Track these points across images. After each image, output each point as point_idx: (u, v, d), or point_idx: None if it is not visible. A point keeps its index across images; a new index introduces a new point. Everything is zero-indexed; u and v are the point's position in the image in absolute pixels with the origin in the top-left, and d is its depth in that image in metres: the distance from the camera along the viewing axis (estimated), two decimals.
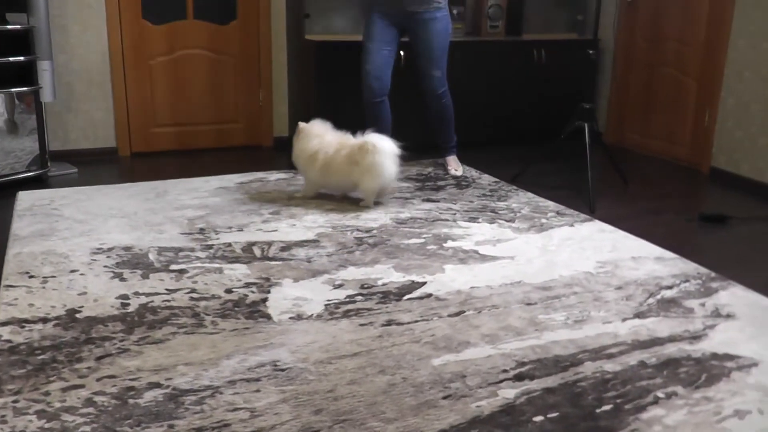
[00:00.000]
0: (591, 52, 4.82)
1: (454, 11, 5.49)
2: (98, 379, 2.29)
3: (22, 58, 4.34)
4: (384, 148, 3.91)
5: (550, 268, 3.24)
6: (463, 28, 5.60)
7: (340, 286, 3.00)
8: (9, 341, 2.52)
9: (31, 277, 3.05)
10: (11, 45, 4.31)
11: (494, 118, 5.68)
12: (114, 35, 4.99)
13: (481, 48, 5.56)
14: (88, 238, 3.49)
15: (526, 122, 5.76)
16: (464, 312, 2.78)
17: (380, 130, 4.25)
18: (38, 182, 4.35)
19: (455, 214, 3.96)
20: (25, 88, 4.37)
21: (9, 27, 4.32)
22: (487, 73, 5.58)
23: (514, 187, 4.51)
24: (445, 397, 2.21)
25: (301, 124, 4.14)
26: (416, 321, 2.70)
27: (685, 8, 5.24)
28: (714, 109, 4.99)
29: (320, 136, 4.04)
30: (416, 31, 4.48)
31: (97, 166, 4.45)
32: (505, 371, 2.37)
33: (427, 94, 4.67)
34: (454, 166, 4.88)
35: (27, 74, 4.40)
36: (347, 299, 2.87)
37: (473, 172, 4.84)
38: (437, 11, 4.43)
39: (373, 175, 3.92)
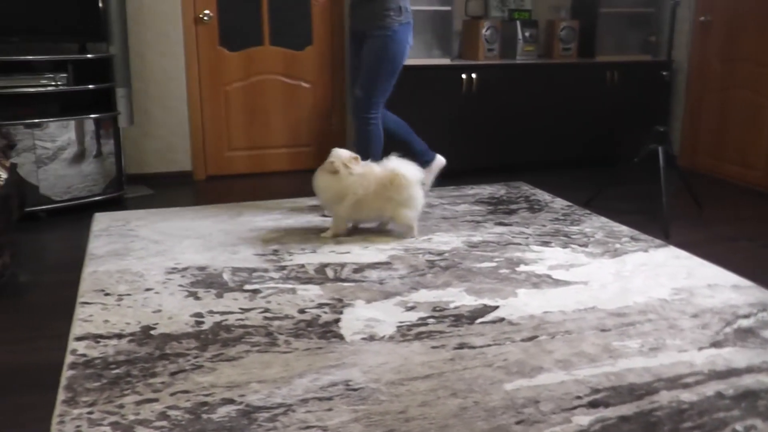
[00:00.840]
0: (665, 73, 4.73)
1: (527, 33, 5.49)
2: (172, 394, 2.33)
3: (101, 86, 4.49)
4: (414, 177, 3.82)
5: (624, 294, 3.17)
6: (536, 50, 5.57)
7: (412, 308, 2.99)
8: (84, 355, 2.59)
9: (107, 294, 3.14)
10: (91, 73, 4.47)
11: (567, 141, 5.62)
12: (191, 62, 5.13)
13: (554, 70, 5.53)
14: (163, 258, 3.57)
15: (599, 145, 5.68)
16: (537, 337, 2.74)
17: (368, 149, 4.23)
18: (115, 204, 4.47)
19: (528, 238, 3.92)
20: (104, 114, 4.51)
21: (89, 56, 4.48)
22: (559, 96, 5.53)
23: (587, 212, 4.44)
24: (518, 423, 2.18)
25: (334, 155, 3.90)
26: (488, 345, 2.67)
27: (762, 28, 5.09)
28: None
29: (347, 173, 3.83)
30: (363, 50, 4.25)
31: (172, 189, 4.56)
32: (578, 398, 2.32)
33: (352, 116, 4.43)
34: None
35: (105, 100, 4.55)
36: (419, 321, 2.86)
37: (546, 196, 4.79)
38: (377, 29, 4.13)
39: (410, 207, 3.84)
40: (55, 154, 4.29)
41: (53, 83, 4.31)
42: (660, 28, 5.83)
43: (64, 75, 4.33)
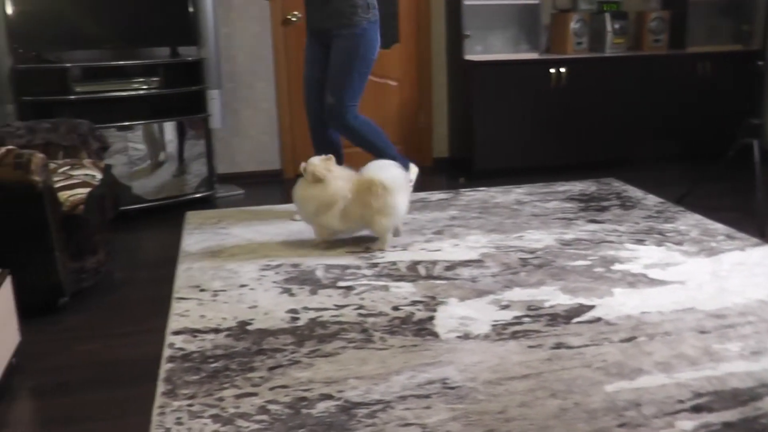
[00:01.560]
0: (760, 63, 4.55)
1: (616, 25, 5.37)
2: (271, 389, 2.38)
3: (192, 88, 4.60)
4: (394, 184, 3.61)
5: (722, 294, 3.07)
6: (625, 42, 5.44)
7: (506, 306, 2.97)
8: (182, 349, 2.67)
9: (202, 290, 3.22)
10: (183, 76, 4.59)
11: (658, 135, 5.47)
12: (280, 63, 5.20)
13: (644, 63, 5.39)
14: (256, 255, 3.64)
15: (691, 139, 5.51)
16: (635, 338, 2.68)
17: (372, 142, 4.16)
18: (206, 203, 4.58)
19: (621, 236, 3.83)
20: (195, 116, 4.62)
21: (180, 60, 4.60)
22: (649, 89, 5.39)
23: (681, 209, 4.31)
24: (620, 426, 2.14)
25: (311, 165, 3.65)
26: (586, 345, 2.63)
27: None
28: None
29: (332, 177, 3.62)
30: (331, 50, 4.01)
31: (262, 188, 4.64)
32: (681, 402, 2.26)
33: (327, 123, 4.15)
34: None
35: (197, 103, 4.66)
36: (514, 320, 2.84)
37: (638, 193, 4.68)
38: (345, 28, 3.93)
39: (386, 215, 3.61)
40: (147, 156, 4.43)
41: (145, 87, 4.44)
42: (753, 16, 5.62)
43: (156, 79, 4.46)
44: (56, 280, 3.00)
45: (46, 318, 3.02)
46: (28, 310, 2.83)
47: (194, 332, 2.80)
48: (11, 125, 3.75)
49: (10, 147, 2.92)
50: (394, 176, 3.64)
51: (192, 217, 4.34)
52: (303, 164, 3.68)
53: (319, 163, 3.64)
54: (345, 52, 3.96)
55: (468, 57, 5.12)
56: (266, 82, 5.19)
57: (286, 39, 5.21)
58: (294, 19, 5.14)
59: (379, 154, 4.08)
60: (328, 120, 4.09)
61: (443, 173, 5.46)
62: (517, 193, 4.74)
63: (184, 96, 4.61)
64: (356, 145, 4.19)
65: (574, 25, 5.28)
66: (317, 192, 3.60)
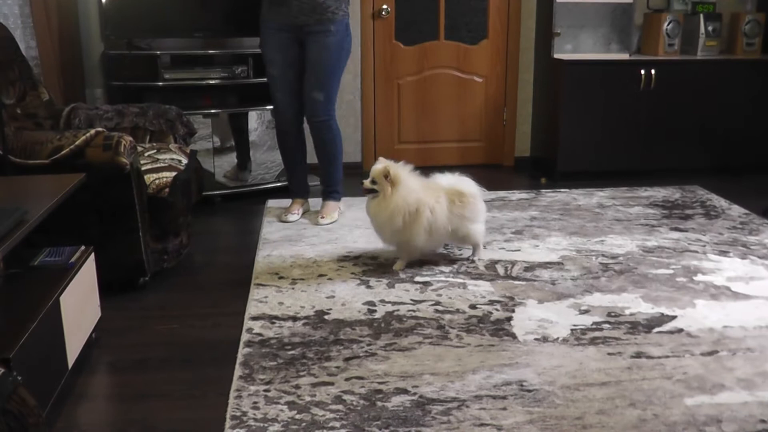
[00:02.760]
0: None
1: (710, 27, 5.22)
2: (347, 379, 2.42)
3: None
4: (478, 191, 3.40)
5: None
6: (718, 45, 5.29)
7: (586, 311, 2.94)
8: (260, 335, 2.73)
9: (281, 278, 3.28)
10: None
11: (746, 143, 5.30)
12: (367, 56, 5.24)
13: (735, 67, 5.22)
14: (335, 246, 3.69)
15: None
16: (717, 352, 2.63)
17: (292, 163, 4.12)
18: (285, 192, 4.63)
19: (705, 246, 3.74)
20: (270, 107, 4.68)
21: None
22: (740, 95, 5.22)
23: (767, 221, 4.18)
24: None
25: (391, 166, 3.30)
26: (667, 356, 2.58)
27: None
28: None
29: (411, 185, 3.31)
30: (308, 48, 3.88)
31: (343, 180, 4.65)
32: (763, 422, 2.21)
33: (309, 121, 4.04)
34: (329, 214, 4.12)
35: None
36: (594, 326, 2.81)
37: (722, 202, 4.55)
38: (331, 23, 3.82)
39: (480, 222, 3.44)
40: (231, 143, 4.52)
41: (232, 76, 4.52)
42: None
43: (243, 68, 4.53)
44: (139, 260, 3.10)
45: (127, 296, 3.12)
46: (110, 287, 2.95)
47: (272, 318, 2.86)
48: (101, 108, 3.87)
49: (99, 129, 3.01)
50: (472, 184, 3.42)
51: (272, 205, 4.41)
52: (367, 180, 3.33)
53: (383, 168, 3.28)
54: (333, 47, 3.88)
55: (557, 55, 5.06)
56: (352, 75, 5.22)
57: (374, 32, 5.24)
58: (384, 13, 5.18)
59: (334, 169, 4.14)
60: (313, 118, 4.00)
61: (524, 172, 5.41)
62: (599, 196, 4.67)
63: (266, 86, 4.67)
64: (322, 152, 4.11)
65: (666, 26, 5.16)
66: (397, 202, 3.24)
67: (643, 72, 5.03)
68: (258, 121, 4.61)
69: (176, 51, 4.56)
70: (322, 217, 4.08)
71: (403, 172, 3.29)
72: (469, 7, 5.36)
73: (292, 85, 3.96)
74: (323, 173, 4.19)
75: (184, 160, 3.55)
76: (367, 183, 3.30)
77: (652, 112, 5.10)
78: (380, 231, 3.37)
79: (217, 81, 4.52)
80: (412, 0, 5.28)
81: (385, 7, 5.20)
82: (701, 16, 5.24)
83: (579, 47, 5.18)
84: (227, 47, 4.72)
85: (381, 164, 3.30)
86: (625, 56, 5.15)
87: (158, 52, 4.38)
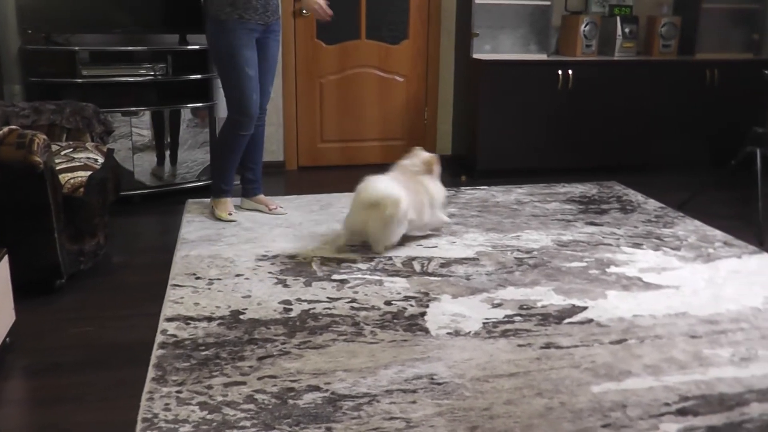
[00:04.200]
0: (766, 72, 4.54)
1: (626, 29, 5.35)
2: (259, 378, 2.39)
3: (199, 76, 4.61)
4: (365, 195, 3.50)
5: (716, 301, 3.08)
6: (635, 47, 5.43)
7: (498, 305, 2.97)
8: (174, 336, 2.68)
9: (198, 278, 3.23)
10: (190, 64, 4.59)
11: (663, 141, 5.46)
12: (288, 55, 5.21)
13: (652, 68, 5.37)
14: (254, 245, 3.65)
15: (696, 147, 5.48)
16: (626, 340, 2.69)
17: (236, 162, 4.10)
18: (207, 191, 4.57)
19: (619, 239, 3.83)
20: (201, 104, 4.63)
21: (189, 47, 4.61)
22: (657, 95, 5.38)
23: (681, 215, 4.31)
24: (604, 426, 2.15)
25: (428, 154, 3.81)
26: (576, 346, 2.63)
27: None
28: None
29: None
30: (269, 45, 3.98)
31: (265, 179, 4.63)
32: (667, 404, 2.27)
33: (260, 117, 4.11)
34: (277, 204, 4.29)
35: (203, 91, 4.67)
36: (505, 319, 2.84)
37: (639, 197, 4.67)
38: (278, 23, 4.01)
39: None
40: (151, 142, 4.44)
41: (152, 73, 4.45)
42: (764, 26, 5.60)
43: (163, 65, 4.47)
44: (54, 261, 3.01)
45: (42, 298, 3.04)
46: (24, 289, 2.86)
47: (187, 319, 2.82)
48: (17, 105, 3.76)
49: (13, 127, 2.93)
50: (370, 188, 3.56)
51: (192, 204, 4.35)
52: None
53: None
54: (279, 44, 4.08)
55: (476, 56, 5.12)
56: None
57: (296, 31, 5.22)
58: (305, 12, 5.16)
59: (233, 165, 4.11)
60: (263, 114, 4.13)
61: (445, 171, 5.42)
62: (517, 193, 4.74)
63: (190, 84, 4.61)
64: (259, 147, 4.23)
65: (583, 28, 5.27)
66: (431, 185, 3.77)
67: (560, 72, 5.12)
68: (179, 119, 4.54)
69: (95, 47, 4.46)
70: (281, 207, 4.25)
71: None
72: (389, 7, 5.38)
73: (258, 84, 3.97)
74: (257, 168, 4.25)
75: (101, 159, 3.48)
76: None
77: (570, 111, 5.20)
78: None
79: (136, 78, 4.43)
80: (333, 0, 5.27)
81: None
82: (618, 18, 5.37)
83: (498, 48, 5.25)
84: (148, 44, 4.64)
85: (429, 155, 3.85)
86: (543, 57, 5.24)
87: (77, 48, 4.27)
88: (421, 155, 3.83)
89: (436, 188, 3.78)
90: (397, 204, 3.38)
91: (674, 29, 5.49)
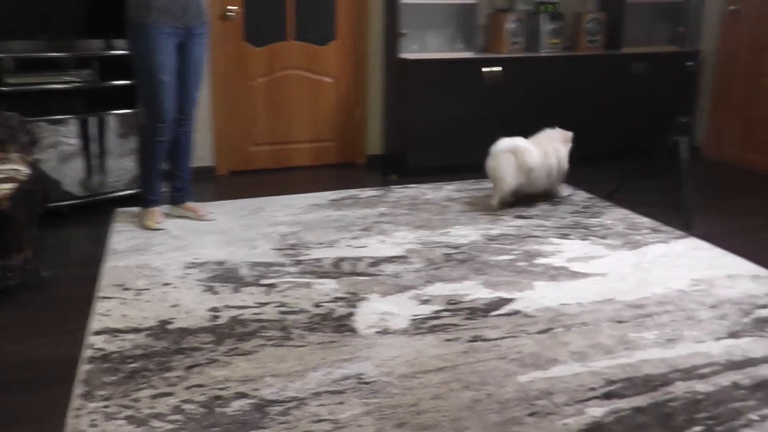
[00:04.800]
0: (689, 63, 4.66)
1: (552, 26, 5.43)
2: (187, 388, 2.36)
3: (126, 82, 4.52)
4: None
5: (642, 285, 3.15)
6: (561, 42, 5.51)
7: (427, 301, 2.99)
8: (102, 349, 2.63)
9: (126, 289, 3.17)
10: (117, 69, 4.50)
11: (592, 133, 5.54)
12: (216, 58, 5.15)
13: (579, 63, 5.47)
14: (183, 253, 3.60)
15: (624, 137, 5.60)
16: (553, 329, 2.73)
17: (159, 171, 4.06)
18: (137, 200, 4.50)
19: (547, 230, 3.89)
20: (129, 111, 4.54)
21: (115, 53, 4.51)
22: (584, 89, 5.48)
23: (609, 204, 4.40)
24: (530, 415, 2.18)
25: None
26: (503, 338, 2.66)
27: None
28: None
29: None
30: (192, 49, 3.91)
31: (195, 185, 4.57)
32: (593, 389, 2.32)
33: (184, 123, 4.06)
34: (206, 211, 4.24)
35: (131, 97, 4.58)
36: (433, 315, 2.86)
37: (568, 189, 4.75)
38: (204, 24, 3.95)
39: None
40: (79, 151, 4.34)
41: (78, 80, 4.35)
42: (688, 19, 5.74)
43: (89, 72, 4.37)
44: None
45: None
46: None
47: (115, 332, 2.76)
48: None
49: None
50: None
51: (122, 214, 4.27)
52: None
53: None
54: (204, 48, 4.00)
55: (403, 55, 5.13)
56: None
57: (223, 34, 5.16)
58: (231, 14, 5.12)
59: (156, 173, 4.06)
60: (188, 119, 4.07)
61: (377, 170, 5.47)
62: (447, 189, 4.77)
63: (117, 90, 4.50)
64: (186, 153, 4.17)
65: (510, 25, 5.33)
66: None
67: (487, 69, 5.17)
68: (107, 127, 4.45)
69: (20, 54, 4.32)
70: (210, 213, 4.19)
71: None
72: (316, 8, 5.35)
73: (174, 90, 3.89)
74: (184, 175, 4.19)
75: (26, 170, 3.38)
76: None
77: (499, 107, 5.25)
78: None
79: (62, 86, 4.31)
80: (259, 1, 5.24)
81: (232, 7, 5.14)
82: (544, 15, 5.44)
83: (425, 47, 5.28)
84: (73, 50, 4.52)
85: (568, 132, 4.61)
86: (470, 55, 5.28)
87: (0, 56, 4.16)
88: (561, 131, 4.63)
89: (563, 160, 4.50)
90: (524, 153, 4.23)
91: (600, 24, 5.59)
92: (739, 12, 5.47)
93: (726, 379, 2.37)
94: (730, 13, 5.52)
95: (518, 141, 4.30)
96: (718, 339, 2.66)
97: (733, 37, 5.55)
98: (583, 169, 5.33)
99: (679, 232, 3.85)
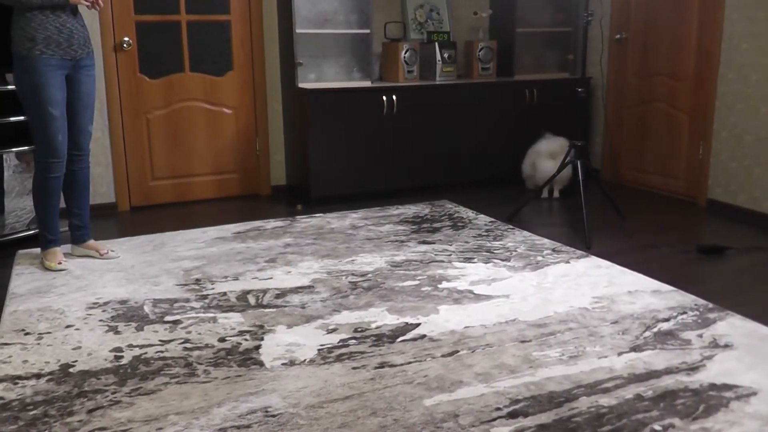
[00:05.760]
0: (579, 90, 4.87)
1: (446, 54, 5.57)
2: None
3: (22, 118, 4.37)
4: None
5: (545, 305, 3.23)
6: (455, 71, 5.66)
7: (333, 330, 2.99)
8: (2, 398, 2.52)
9: (27, 334, 3.06)
10: (10, 105, 4.36)
11: (489, 158, 5.71)
12: (112, 90, 5.06)
13: (473, 90, 5.62)
14: (85, 293, 3.50)
15: (521, 161, 5.77)
16: (458, 352, 2.77)
17: (56, 209, 3.91)
18: (36, 240, 4.36)
19: (450, 255, 3.96)
20: (27, 148, 4.40)
21: (9, 87, 4.37)
22: (480, 115, 5.63)
23: (510, 227, 4.51)
24: None
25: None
26: (409, 362, 2.69)
27: (674, 43, 5.30)
28: (708, 141, 5.01)
29: None
30: (81, 81, 3.81)
31: (95, 222, 4.46)
32: (498, 409, 2.35)
33: (79, 158, 3.95)
34: (104, 247, 4.14)
35: (26, 133, 4.44)
36: (340, 343, 2.86)
37: (469, 213, 4.86)
38: (91, 56, 3.86)
39: None
40: None
41: None
42: (577, 47, 5.99)
43: None
44: None
45: None
46: None
47: (15, 379, 2.65)
48: None
49: None
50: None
51: (22, 256, 4.11)
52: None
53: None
54: (93, 80, 3.91)
55: (301, 85, 5.17)
56: (98, 110, 4.99)
57: (118, 65, 5.08)
58: (125, 46, 5.04)
59: (53, 211, 3.93)
60: (83, 153, 3.95)
61: (281, 201, 5.46)
62: (352, 218, 4.80)
63: (12, 126, 4.36)
64: (84, 189, 4.04)
65: (404, 54, 5.44)
66: None
67: (384, 98, 5.26)
68: (4, 165, 4.29)
69: None
70: (112, 251, 4.09)
71: None
72: (211, 38, 5.34)
73: (65, 124, 3.76)
74: (83, 213, 4.06)
75: None
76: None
77: (397, 134, 5.34)
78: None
79: None
80: (154, 32, 5.18)
81: (126, 39, 5.06)
82: (437, 44, 5.58)
83: (323, 76, 5.34)
84: None
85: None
86: (367, 83, 5.35)
87: None
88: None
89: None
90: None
91: (491, 53, 5.77)
92: (626, 40, 5.74)
93: (629, 392, 2.45)
94: (616, 41, 5.79)
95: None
96: (621, 353, 2.75)
97: (621, 64, 5.82)
98: (483, 193, 5.48)
99: (579, 252, 3.98)
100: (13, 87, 4.24)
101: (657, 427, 2.23)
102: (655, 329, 2.95)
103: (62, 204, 3.96)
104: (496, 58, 5.80)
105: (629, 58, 5.75)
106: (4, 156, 4.29)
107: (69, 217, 4.04)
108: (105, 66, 5.01)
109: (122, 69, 5.11)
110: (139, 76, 5.18)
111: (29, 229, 4.42)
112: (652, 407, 2.34)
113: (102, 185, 5.16)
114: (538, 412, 2.33)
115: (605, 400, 2.39)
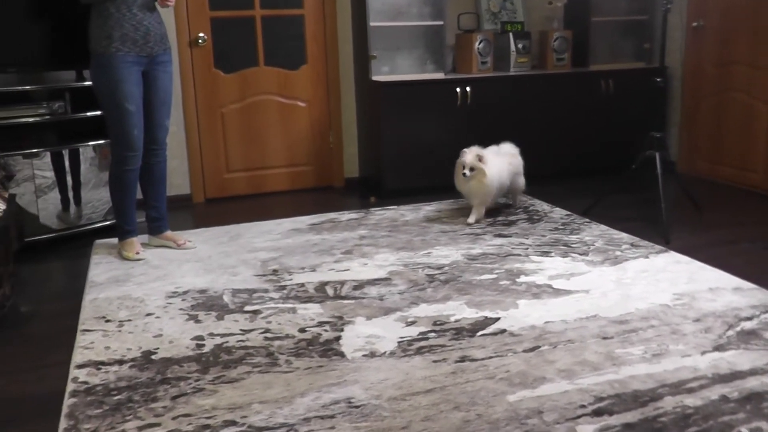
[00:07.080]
0: (658, 80, 4.74)
1: (520, 45, 5.50)
2: (174, 418, 2.32)
3: (98, 113, 4.48)
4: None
5: (625, 301, 3.16)
6: (529, 61, 5.59)
7: (412, 323, 2.98)
8: (86, 383, 2.58)
9: (108, 321, 3.13)
10: (89, 100, 4.47)
11: (564, 150, 5.62)
12: (187, 86, 5.15)
13: (548, 81, 5.54)
14: (163, 283, 3.57)
15: (597, 154, 5.67)
16: (539, 347, 2.73)
17: (133, 201, 4.01)
18: (115, 231, 4.47)
19: (527, 248, 3.91)
20: (103, 141, 4.51)
21: (86, 83, 4.49)
22: (555, 106, 5.54)
23: (587, 220, 4.43)
24: None
25: (480, 152, 4.43)
26: (490, 357, 2.66)
27: (754, 31, 5.12)
28: None
29: (493, 158, 4.50)
30: (157, 77, 3.88)
31: (171, 213, 4.55)
32: (582, 407, 2.31)
33: (156, 152, 4.04)
34: (182, 238, 4.22)
35: (104, 127, 4.54)
36: (420, 336, 2.85)
37: (545, 206, 4.79)
38: (169, 52, 3.92)
39: (522, 174, 4.82)
40: (54, 183, 4.30)
41: (50, 112, 4.32)
42: (653, 35, 5.85)
43: (62, 103, 4.34)
44: None
45: None
46: None
47: (98, 365, 2.72)
48: None
49: None
50: (512, 145, 4.79)
51: (100, 246, 4.23)
52: (467, 169, 4.36)
53: (470, 156, 4.37)
54: (170, 76, 3.96)
55: (375, 77, 5.17)
56: (174, 105, 5.09)
57: (193, 61, 5.16)
58: (201, 42, 5.12)
59: (130, 203, 4.02)
60: (161, 148, 4.04)
61: (355, 193, 5.48)
62: (426, 210, 4.79)
63: (89, 120, 4.48)
64: (161, 182, 4.12)
65: (478, 45, 5.39)
66: (494, 172, 4.41)
67: (458, 90, 5.22)
68: (81, 158, 4.41)
69: None
70: (189, 241, 4.17)
71: (485, 151, 4.47)
72: (285, 33, 5.39)
73: (142, 119, 3.85)
74: (161, 205, 4.15)
75: (3, 206, 3.33)
76: (467, 171, 4.35)
77: (471, 126, 5.30)
78: (478, 198, 4.46)
79: (35, 119, 4.28)
80: (228, 27, 5.25)
81: (201, 35, 5.14)
82: (510, 34, 5.51)
83: (396, 69, 5.32)
84: (44, 82, 4.49)
85: (471, 153, 4.39)
86: (440, 75, 5.32)
87: None
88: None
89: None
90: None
91: (566, 42, 5.67)
92: (703, 28, 5.58)
93: (714, 393, 2.38)
94: (693, 29, 5.63)
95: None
96: (704, 353, 2.67)
97: (698, 52, 5.66)
98: (557, 186, 5.39)
99: (658, 247, 3.89)
100: (90, 83, 4.38)
101: (744, 430, 2.16)
102: (738, 328, 2.86)
103: (139, 195, 4.05)
104: (570, 48, 5.70)
105: (706, 46, 5.58)
106: (81, 150, 4.40)
107: (146, 209, 4.13)
108: (180, 62, 5.11)
109: (197, 65, 5.20)
110: (214, 71, 5.26)
111: (105, 220, 4.53)
112: (738, 409, 2.27)
113: (177, 177, 5.25)
114: (623, 410, 2.28)
115: (690, 401, 2.33)
